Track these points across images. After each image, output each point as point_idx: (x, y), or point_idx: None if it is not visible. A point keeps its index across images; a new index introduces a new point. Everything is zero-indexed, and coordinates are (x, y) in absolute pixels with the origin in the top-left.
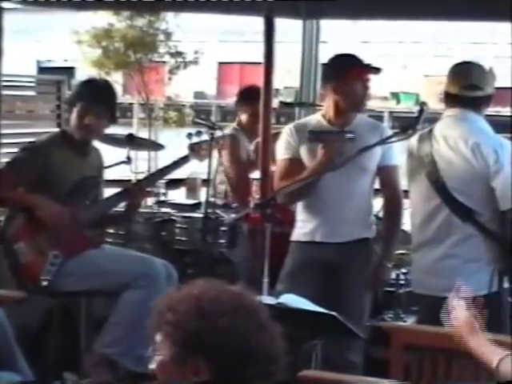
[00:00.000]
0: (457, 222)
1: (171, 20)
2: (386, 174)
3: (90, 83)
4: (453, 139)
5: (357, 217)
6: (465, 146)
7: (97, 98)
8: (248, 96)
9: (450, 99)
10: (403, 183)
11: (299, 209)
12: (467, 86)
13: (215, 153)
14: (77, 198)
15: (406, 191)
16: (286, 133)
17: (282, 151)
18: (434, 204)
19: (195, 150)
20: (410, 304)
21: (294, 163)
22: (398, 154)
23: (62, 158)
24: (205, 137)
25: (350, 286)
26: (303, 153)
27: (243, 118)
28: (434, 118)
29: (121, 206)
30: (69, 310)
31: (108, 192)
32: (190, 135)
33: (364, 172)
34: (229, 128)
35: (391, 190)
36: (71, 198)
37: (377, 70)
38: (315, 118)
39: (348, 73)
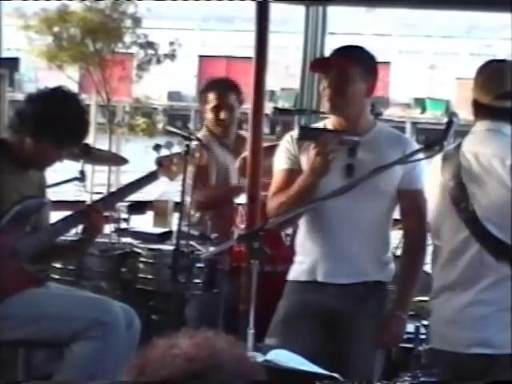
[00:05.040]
0: (489, 260)
1: (141, 2)
2: (408, 199)
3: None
4: (486, 158)
5: (368, 252)
6: (501, 166)
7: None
8: (209, 87)
9: (480, 110)
10: None
11: (299, 239)
12: (502, 94)
13: (191, 169)
14: (15, 223)
15: None
16: (287, 141)
17: (280, 161)
18: (462, 238)
19: (164, 166)
20: (433, 364)
21: (294, 175)
22: (425, 174)
23: None
24: (176, 148)
25: (357, 341)
26: (305, 164)
27: (209, 117)
28: (467, 132)
29: (71, 235)
30: (2, 364)
31: (55, 217)
32: (157, 147)
33: (379, 196)
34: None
35: (414, 220)
36: (8, 222)
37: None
38: (322, 125)
39: (327, 64)
